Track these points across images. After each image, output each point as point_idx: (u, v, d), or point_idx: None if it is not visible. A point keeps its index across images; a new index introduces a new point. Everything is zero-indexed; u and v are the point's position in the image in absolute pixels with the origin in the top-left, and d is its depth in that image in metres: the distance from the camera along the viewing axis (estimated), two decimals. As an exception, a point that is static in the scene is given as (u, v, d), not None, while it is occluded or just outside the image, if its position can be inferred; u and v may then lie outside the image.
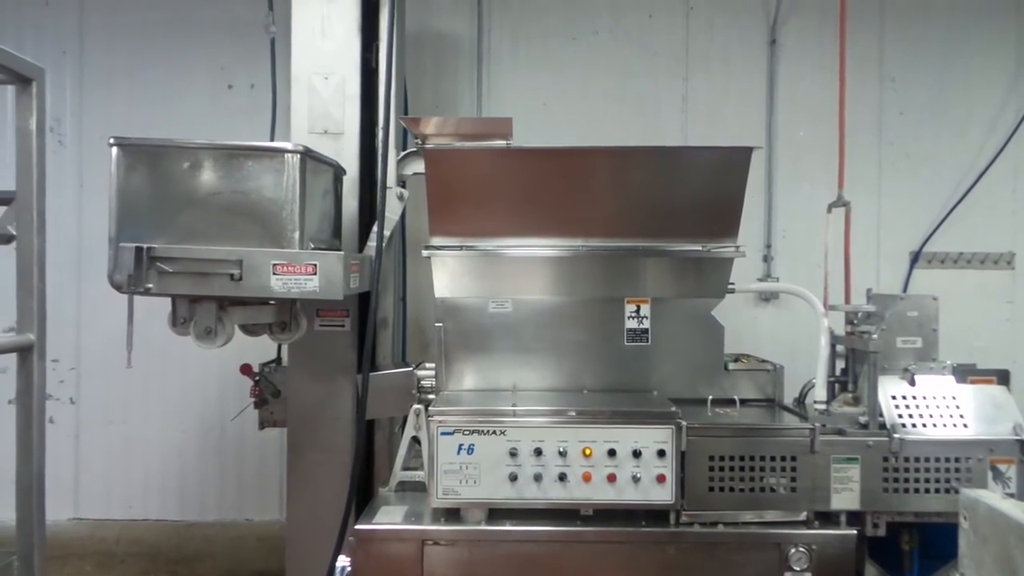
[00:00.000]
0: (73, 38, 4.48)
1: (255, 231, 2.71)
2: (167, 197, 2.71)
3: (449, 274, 3.27)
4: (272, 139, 3.76)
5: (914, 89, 4.57)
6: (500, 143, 3.22)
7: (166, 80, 4.42)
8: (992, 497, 1.93)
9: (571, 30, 4.54)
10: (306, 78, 3.33)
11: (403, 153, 3.40)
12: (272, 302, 2.97)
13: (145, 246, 2.60)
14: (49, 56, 4.43)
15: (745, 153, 3.10)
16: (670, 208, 3.22)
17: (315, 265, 2.68)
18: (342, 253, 2.75)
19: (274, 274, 2.66)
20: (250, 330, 3.11)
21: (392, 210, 3.37)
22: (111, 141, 2.69)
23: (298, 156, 2.74)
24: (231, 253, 2.64)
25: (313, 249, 2.77)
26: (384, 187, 3.21)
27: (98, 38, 4.47)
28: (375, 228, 3.23)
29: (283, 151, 2.75)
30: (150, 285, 2.61)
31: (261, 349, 4.07)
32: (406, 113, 4.08)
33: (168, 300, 2.84)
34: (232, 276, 2.63)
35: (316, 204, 2.92)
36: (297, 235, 2.72)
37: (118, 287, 2.62)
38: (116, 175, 2.68)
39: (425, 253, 3.24)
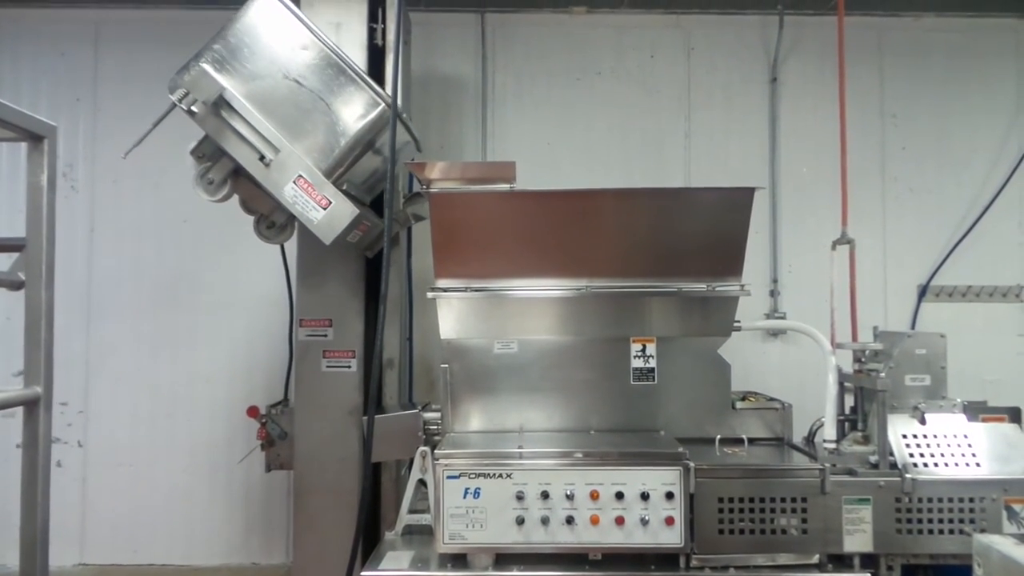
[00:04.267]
0: (87, 85, 4.57)
1: (310, 142, 2.83)
2: (266, 58, 2.86)
3: (455, 315, 3.28)
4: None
5: (915, 124, 4.60)
6: (504, 186, 3.25)
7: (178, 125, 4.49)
8: (1005, 543, 1.90)
9: (574, 71, 4.61)
10: (314, 122, 3.40)
11: (408, 195, 3.44)
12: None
13: (222, 81, 2.76)
14: (64, 103, 4.54)
15: (747, 193, 3.12)
16: (674, 248, 3.23)
17: (330, 201, 2.76)
18: (359, 211, 2.78)
19: (293, 183, 2.75)
20: (247, 206, 3.18)
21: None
22: None
23: (386, 108, 2.91)
24: (277, 139, 2.76)
25: (344, 192, 2.83)
26: (390, 231, 3.23)
27: (111, 85, 4.57)
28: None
29: (381, 96, 2.91)
30: (197, 111, 2.78)
31: (268, 392, 4.10)
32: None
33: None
34: (262, 157, 2.75)
35: (373, 159, 3.00)
36: (340, 170, 2.81)
37: (172, 90, 2.79)
38: (245, 12, 2.87)
39: (430, 295, 3.26)
